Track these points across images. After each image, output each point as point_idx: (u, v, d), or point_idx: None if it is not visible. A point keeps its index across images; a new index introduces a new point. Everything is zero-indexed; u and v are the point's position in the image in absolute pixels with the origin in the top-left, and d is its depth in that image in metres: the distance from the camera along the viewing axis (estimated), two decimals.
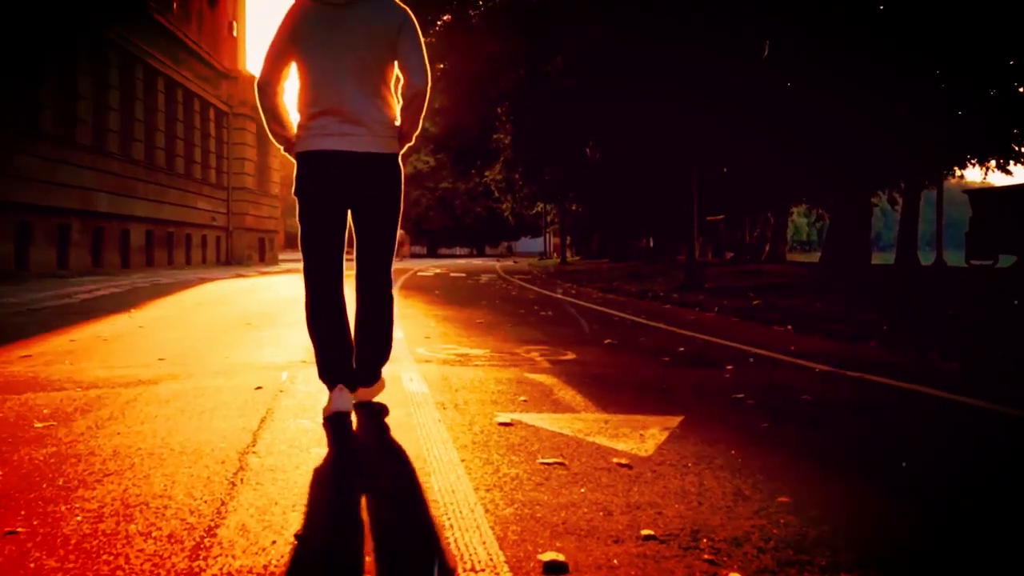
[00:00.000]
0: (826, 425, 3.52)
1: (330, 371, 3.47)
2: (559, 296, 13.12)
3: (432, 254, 70.34)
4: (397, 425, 3.31)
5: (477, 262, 41.79)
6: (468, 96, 24.08)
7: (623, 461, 2.79)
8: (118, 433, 3.17)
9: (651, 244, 36.62)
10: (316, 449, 2.94)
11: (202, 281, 17.76)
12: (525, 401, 3.83)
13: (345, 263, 3.58)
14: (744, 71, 16.99)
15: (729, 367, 5.10)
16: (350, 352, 3.52)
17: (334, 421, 3.39)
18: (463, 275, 22.39)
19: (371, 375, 3.62)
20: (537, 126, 25.13)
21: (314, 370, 4.14)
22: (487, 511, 2.24)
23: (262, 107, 3.48)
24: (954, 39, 15.57)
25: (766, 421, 3.48)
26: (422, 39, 3.48)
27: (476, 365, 5.03)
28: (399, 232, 3.65)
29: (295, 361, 5.13)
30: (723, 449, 2.97)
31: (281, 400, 3.84)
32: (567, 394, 4.03)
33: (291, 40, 3.40)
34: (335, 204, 3.43)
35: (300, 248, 3.51)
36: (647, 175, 24.51)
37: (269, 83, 3.44)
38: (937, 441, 3.31)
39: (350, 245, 3.56)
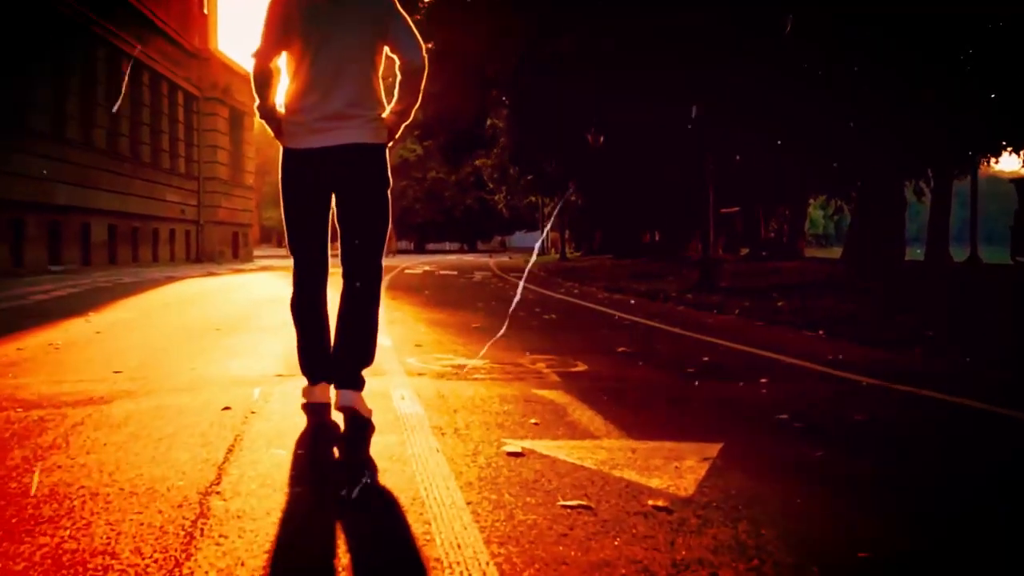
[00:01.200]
0: (889, 452, 3.25)
1: (312, 364, 3.72)
2: (561, 297, 12.87)
3: (419, 250, 69.98)
4: (389, 456, 3.02)
5: (469, 258, 41.48)
6: (460, 78, 23.77)
7: (660, 503, 2.50)
8: (59, 466, 2.88)
9: (657, 239, 36.37)
10: (292, 488, 2.65)
11: (170, 280, 17.48)
12: (536, 424, 3.55)
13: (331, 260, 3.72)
14: (744, 71, 17.08)
15: (763, 380, 4.82)
16: (329, 344, 3.70)
17: (314, 449, 3.12)
18: (454, 273, 22.12)
19: (352, 378, 3.54)
20: (536, 112, 24.87)
21: (291, 387, 4.17)
22: (503, 575, 1.96)
23: (258, 92, 3.62)
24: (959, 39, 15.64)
25: (819, 448, 3.20)
26: (409, 19, 3.66)
27: (476, 379, 4.75)
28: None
29: (269, 375, 4.83)
30: (776, 486, 2.69)
31: (252, 424, 3.55)
32: (583, 415, 3.75)
33: (285, 29, 3.54)
34: (321, 200, 3.61)
35: (287, 241, 3.73)
36: (654, 164, 24.28)
37: (266, 68, 3.59)
38: (1019, 473, 3.05)
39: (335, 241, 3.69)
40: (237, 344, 6.45)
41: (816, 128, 18.30)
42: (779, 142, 20.05)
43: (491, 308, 10.50)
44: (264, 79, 3.59)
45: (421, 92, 3.65)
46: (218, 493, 2.58)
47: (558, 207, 41.74)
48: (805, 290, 11.68)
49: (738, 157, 24.61)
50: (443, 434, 3.34)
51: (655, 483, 2.71)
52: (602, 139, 23.71)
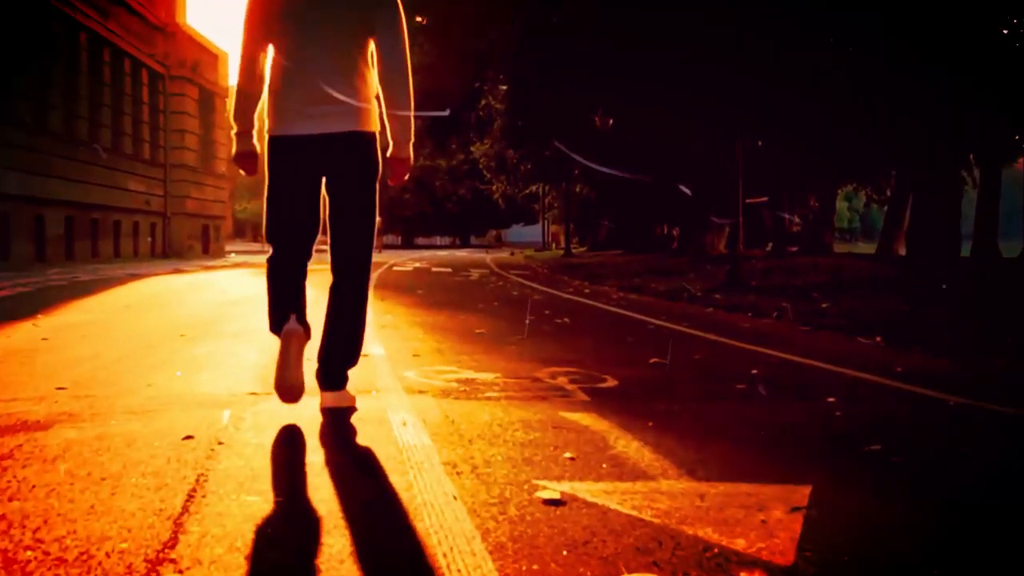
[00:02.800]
0: None
1: (282, 316, 3.73)
2: (571, 297, 12.49)
3: (408, 244, 69.60)
4: (394, 505, 2.58)
5: (462, 254, 41.12)
6: (452, 53, 23.37)
7: None
8: None
9: (667, 232, 35.99)
10: (269, 554, 2.20)
11: (132, 278, 17.11)
12: (572, 460, 3.10)
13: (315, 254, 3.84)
14: (745, 71, 16.97)
15: (830, 399, 4.39)
16: (304, 303, 3.81)
17: (299, 497, 2.69)
18: (448, 270, 21.75)
19: (337, 379, 3.83)
20: (537, 92, 24.53)
21: (267, 408, 3.96)
22: None
23: (244, 93, 3.75)
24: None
25: (934, 492, 2.76)
26: (402, 14, 3.73)
27: (489, 398, 4.30)
28: (377, 220, 3.87)
29: (241, 393, 4.39)
30: (900, 548, 2.25)
31: (220, 459, 3.10)
32: (630, 447, 3.30)
33: (268, 18, 3.67)
34: (308, 189, 3.73)
35: (264, 231, 3.83)
36: (665, 153, 23.97)
37: (255, 64, 3.73)
38: None
39: (323, 234, 3.80)
40: (205, 354, 6.02)
41: (820, 124, 18.31)
42: (782, 142, 20.15)
43: (493, 309, 10.13)
44: (251, 78, 3.73)
45: (410, 103, 3.76)
46: (172, 561, 2.13)
47: (553, 198, 41.37)
48: (847, 289, 11.28)
49: (760, 143, 24.31)
50: (459, 473, 2.90)
51: (740, 544, 2.27)
52: (611, 122, 23.31)
